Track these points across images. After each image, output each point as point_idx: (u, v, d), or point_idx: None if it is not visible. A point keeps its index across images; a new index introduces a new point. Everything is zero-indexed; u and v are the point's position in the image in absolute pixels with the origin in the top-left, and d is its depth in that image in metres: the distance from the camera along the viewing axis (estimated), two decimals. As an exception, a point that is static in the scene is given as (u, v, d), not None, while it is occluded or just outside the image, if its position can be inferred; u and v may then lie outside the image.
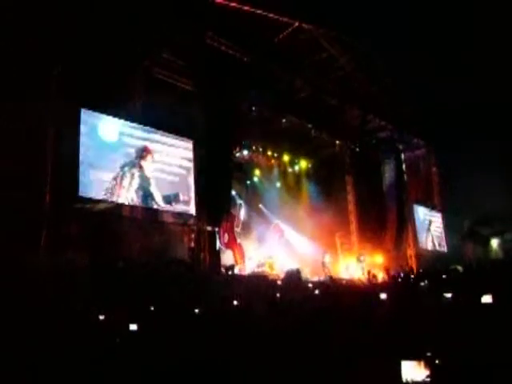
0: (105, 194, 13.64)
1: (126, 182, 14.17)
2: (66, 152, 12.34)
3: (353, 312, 5.51)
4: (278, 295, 10.35)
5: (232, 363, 4.00)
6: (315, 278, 18.42)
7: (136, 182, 14.47)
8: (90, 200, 13.23)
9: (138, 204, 14.40)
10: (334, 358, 3.85)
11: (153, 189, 14.85)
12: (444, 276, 12.19)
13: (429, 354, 3.33)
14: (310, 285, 14.23)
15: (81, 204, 12.94)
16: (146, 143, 15.09)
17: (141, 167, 14.72)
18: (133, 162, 14.59)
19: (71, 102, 12.51)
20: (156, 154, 15.20)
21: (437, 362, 3.27)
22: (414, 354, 3.32)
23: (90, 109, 13.73)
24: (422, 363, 3.26)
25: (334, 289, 11.88)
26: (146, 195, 14.67)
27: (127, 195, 14.18)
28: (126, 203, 14.10)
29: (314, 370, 3.76)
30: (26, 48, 11.15)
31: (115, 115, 14.46)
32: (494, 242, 29.94)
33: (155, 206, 14.83)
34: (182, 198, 15.52)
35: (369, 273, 17.81)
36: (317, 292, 11.67)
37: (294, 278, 14.66)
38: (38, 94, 11.46)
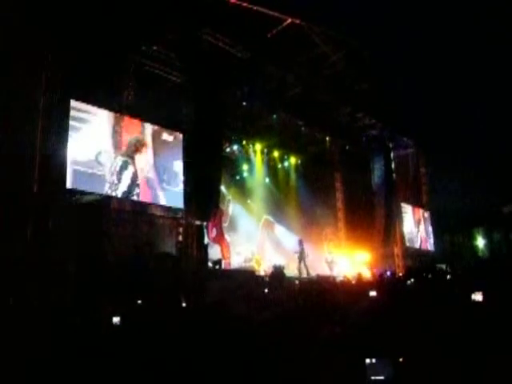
0: (98, 186, 13.66)
1: (117, 171, 14.15)
2: (55, 143, 12.26)
3: (336, 310, 5.54)
4: (266, 291, 10.40)
5: (213, 358, 4.03)
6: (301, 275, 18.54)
7: (129, 172, 14.47)
8: (79, 192, 13.16)
9: (123, 195, 14.32)
10: (308, 354, 3.87)
11: (140, 181, 14.76)
12: (430, 275, 12.28)
13: (392, 352, 3.35)
14: (297, 281, 14.30)
15: (69, 196, 12.89)
16: (139, 135, 15.07)
17: (133, 159, 14.69)
18: (127, 153, 14.59)
19: (61, 92, 12.42)
20: (148, 147, 15.18)
21: (400, 360, 3.30)
22: (380, 352, 3.34)
23: (80, 100, 13.66)
24: (386, 361, 3.28)
25: (320, 286, 11.91)
26: (132, 187, 14.56)
27: (116, 186, 14.11)
28: (114, 194, 14.01)
29: (287, 366, 3.79)
30: (17, 38, 11.05)
31: (105, 107, 14.40)
32: (481, 242, 30.25)
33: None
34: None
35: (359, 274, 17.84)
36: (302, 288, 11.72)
37: (278, 275, 14.76)
38: (27, 84, 11.37)
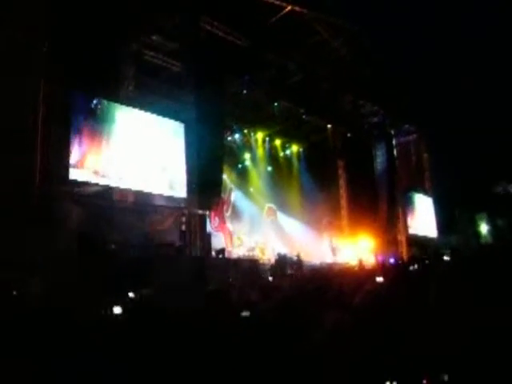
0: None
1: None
2: (56, 133, 12.21)
3: (341, 296, 5.49)
4: (270, 279, 10.41)
5: (220, 346, 4.00)
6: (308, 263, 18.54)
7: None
8: (81, 183, 13.11)
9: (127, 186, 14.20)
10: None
11: (138, 169, 14.59)
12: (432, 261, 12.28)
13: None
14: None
15: (71, 187, 12.84)
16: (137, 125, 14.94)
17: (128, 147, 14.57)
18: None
19: (62, 83, 12.35)
20: (145, 136, 15.05)
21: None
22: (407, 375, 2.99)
23: (81, 91, 13.56)
24: None
25: (326, 273, 11.94)
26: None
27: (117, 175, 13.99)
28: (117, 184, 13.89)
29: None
30: (17, 28, 10.99)
31: (106, 97, 14.31)
32: (484, 228, 30.17)
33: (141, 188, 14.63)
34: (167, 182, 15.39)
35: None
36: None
37: (288, 262, 14.76)
38: (28, 74, 11.32)
